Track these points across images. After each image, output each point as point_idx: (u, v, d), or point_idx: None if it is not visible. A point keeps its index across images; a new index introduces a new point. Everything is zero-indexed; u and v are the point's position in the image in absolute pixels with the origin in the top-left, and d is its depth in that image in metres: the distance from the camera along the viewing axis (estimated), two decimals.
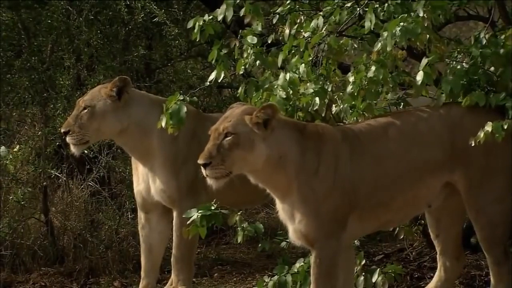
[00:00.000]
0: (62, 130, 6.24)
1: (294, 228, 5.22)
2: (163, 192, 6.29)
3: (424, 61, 5.18)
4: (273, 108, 5.11)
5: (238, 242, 5.72)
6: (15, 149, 7.48)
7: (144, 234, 6.53)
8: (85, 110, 6.19)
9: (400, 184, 5.21)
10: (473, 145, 4.97)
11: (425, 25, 5.09)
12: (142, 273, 6.57)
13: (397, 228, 6.07)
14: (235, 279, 7.31)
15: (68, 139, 6.23)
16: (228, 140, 5.10)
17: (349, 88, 5.34)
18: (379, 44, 5.16)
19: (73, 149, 6.27)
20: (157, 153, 6.25)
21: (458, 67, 5.26)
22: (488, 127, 4.93)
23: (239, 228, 5.66)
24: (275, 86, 5.47)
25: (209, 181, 5.15)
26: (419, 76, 5.18)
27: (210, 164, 5.08)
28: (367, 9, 5.32)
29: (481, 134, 4.95)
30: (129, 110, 6.23)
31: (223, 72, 5.69)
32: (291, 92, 5.42)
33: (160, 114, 5.59)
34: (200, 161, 5.10)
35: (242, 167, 5.14)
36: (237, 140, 5.09)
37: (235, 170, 5.13)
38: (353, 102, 5.44)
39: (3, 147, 7.40)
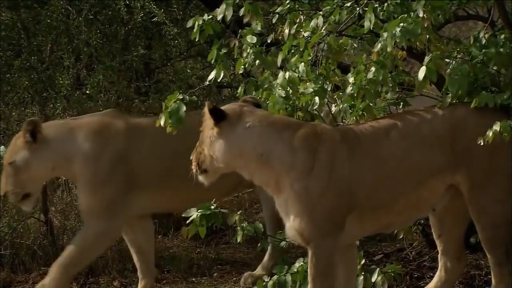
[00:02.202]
0: (1, 194, 6.28)
1: (289, 225, 5.22)
2: (81, 210, 6.36)
3: (428, 58, 5.16)
4: (210, 108, 5.15)
5: (238, 241, 5.74)
6: None
7: (128, 239, 6.55)
8: (10, 168, 6.21)
9: (402, 186, 5.19)
10: (482, 144, 4.94)
11: (425, 25, 5.09)
12: (139, 275, 6.58)
13: None
14: (234, 278, 7.31)
15: (10, 200, 6.28)
16: (199, 138, 5.24)
17: (349, 89, 5.34)
18: (379, 45, 5.16)
19: (22, 207, 6.33)
20: (79, 174, 6.28)
21: (462, 67, 5.23)
22: (497, 127, 4.91)
23: (238, 228, 5.67)
24: (275, 85, 5.47)
25: (200, 178, 5.31)
26: (422, 72, 5.16)
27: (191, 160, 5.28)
28: (366, 9, 5.32)
29: (490, 134, 4.92)
30: (49, 146, 6.25)
31: (222, 71, 5.69)
32: (290, 91, 5.42)
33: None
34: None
35: (211, 164, 5.22)
36: (201, 137, 5.23)
37: (210, 168, 5.23)
38: (352, 102, 5.44)
39: (2, 147, 7.38)
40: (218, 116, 5.15)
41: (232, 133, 5.17)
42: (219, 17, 5.69)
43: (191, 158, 5.28)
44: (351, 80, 5.35)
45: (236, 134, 5.16)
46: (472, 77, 5.23)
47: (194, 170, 5.26)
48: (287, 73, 5.43)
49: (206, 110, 5.19)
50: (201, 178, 5.28)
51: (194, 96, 5.63)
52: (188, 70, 8.54)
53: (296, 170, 5.13)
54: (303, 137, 5.17)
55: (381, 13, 5.30)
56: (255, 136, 5.16)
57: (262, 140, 5.15)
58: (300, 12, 5.73)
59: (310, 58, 5.44)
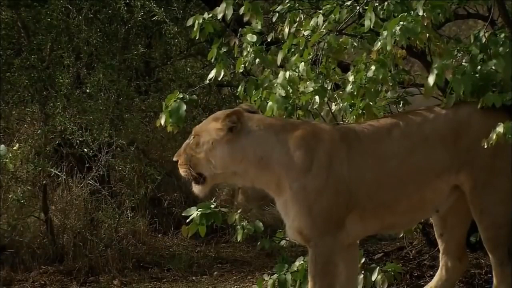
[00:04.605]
0: None
1: (289, 225, 5.22)
2: None
3: (437, 64, 5.12)
4: (238, 114, 5.13)
5: (238, 240, 5.74)
6: (14, 148, 7.47)
7: None
8: None
9: (404, 186, 5.18)
10: (485, 147, 4.92)
11: (425, 24, 5.08)
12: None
13: None
14: (234, 277, 7.32)
15: None
16: (192, 141, 5.20)
17: (349, 88, 5.34)
18: (379, 43, 5.16)
19: None
20: None
21: (467, 68, 5.21)
22: (500, 128, 4.89)
23: (238, 227, 5.67)
24: (275, 85, 5.47)
25: (193, 188, 5.25)
26: (431, 78, 5.13)
27: (178, 162, 5.22)
28: (366, 7, 5.32)
29: (493, 136, 4.89)
30: None
31: (222, 70, 5.69)
32: (290, 90, 5.42)
33: None
34: (173, 158, 5.27)
35: (209, 169, 5.18)
36: (197, 141, 5.19)
37: (206, 173, 5.18)
38: (352, 101, 5.44)
39: (2, 146, 7.38)
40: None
41: (237, 140, 5.15)
42: (219, 16, 5.69)
43: (174, 159, 5.23)
44: (351, 79, 5.35)
45: (239, 140, 5.15)
46: (475, 76, 5.21)
47: (185, 173, 5.20)
48: (288, 72, 5.42)
49: (224, 116, 5.14)
50: (196, 189, 5.23)
51: (194, 95, 5.63)
52: (188, 69, 8.54)
53: (295, 170, 5.12)
54: (301, 137, 5.16)
55: (381, 12, 5.30)
56: (255, 140, 5.15)
57: (261, 143, 5.15)
58: (300, 11, 5.73)
59: (310, 57, 5.44)
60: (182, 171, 5.22)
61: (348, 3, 5.49)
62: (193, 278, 7.31)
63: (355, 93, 5.34)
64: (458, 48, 5.36)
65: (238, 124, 5.14)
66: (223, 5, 5.68)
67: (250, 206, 8.31)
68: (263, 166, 5.16)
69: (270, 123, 5.23)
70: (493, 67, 5.21)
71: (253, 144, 5.16)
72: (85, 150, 7.54)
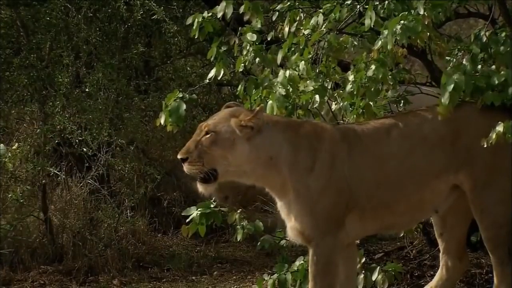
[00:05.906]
0: None
1: (291, 225, 5.21)
2: None
3: (451, 86, 5.09)
4: (262, 112, 5.10)
5: (238, 240, 5.73)
6: (14, 147, 7.46)
7: None
8: None
9: (403, 186, 5.18)
10: (485, 146, 4.90)
11: (426, 23, 5.07)
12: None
13: None
14: (234, 277, 7.31)
15: None
16: (208, 138, 5.10)
17: (349, 87, 5.33)
18: (380, 42, 5.14)
19: None
20: None
21: (468, 67, 5.18)
22: (500, 128, 4.88)
23: (238, 227, 5.66)
24: (275, 83, 5.46)
25: (199, 187, 5.14)
26: (446, 98, 5.09)
27: (188, 159, 5.08)
28: (367, 6, 5.31)
29: (493, 136, 4.88)
30: None
31: (222, 69, 5.68)
32: (291, 89, 5.41)
33: None
34: (178, 156, 5.12)
35: (223, 166, 5.09)
36: (215, 138, 5.09)
37: (220, 169, 5.09)
38: (352, 100, 5.43)
39: (2, 145, 7.37)
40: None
41: (254, 138, 5.11)
42: (219, 15, 5.68)
43: (182, 156, 5.08)
44: (351, 78, 5.34)
45: (256, 138, 5.10)
46: (474, 76, 5.19)
47: (198, 170, 5.08)
48: (288, 71, 5.41)
49: (252, 113, 5.10)
50: (203, 188, 5.13)
51: (194, 94, 5.62)
52: (188, 68, 8.53)
53: (298, 170, 5.11)
54: (304, 137, 5.15)
55: (382, 11, 5.29)
56: (267, 139, 5.13)
57: (272, 142, 5.12)
58: (300, 10, 5.72)
59: (310, 56, 5.43)
60: (193, 168, 5.08)
61: (349, 2, 5.48)
62: (193, 278, 7.30)
63: (355, 92, 5.33)
64: (459, 47, 5.35)
65: (260, 122, 5.11)
66: (223, 4, 5.67)
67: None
68: (271, 166, 5.13)
69: (277, 121, 5.21)
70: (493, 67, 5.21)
71: (266, 143, 5.12)
72: (85, 149, 7.52)
